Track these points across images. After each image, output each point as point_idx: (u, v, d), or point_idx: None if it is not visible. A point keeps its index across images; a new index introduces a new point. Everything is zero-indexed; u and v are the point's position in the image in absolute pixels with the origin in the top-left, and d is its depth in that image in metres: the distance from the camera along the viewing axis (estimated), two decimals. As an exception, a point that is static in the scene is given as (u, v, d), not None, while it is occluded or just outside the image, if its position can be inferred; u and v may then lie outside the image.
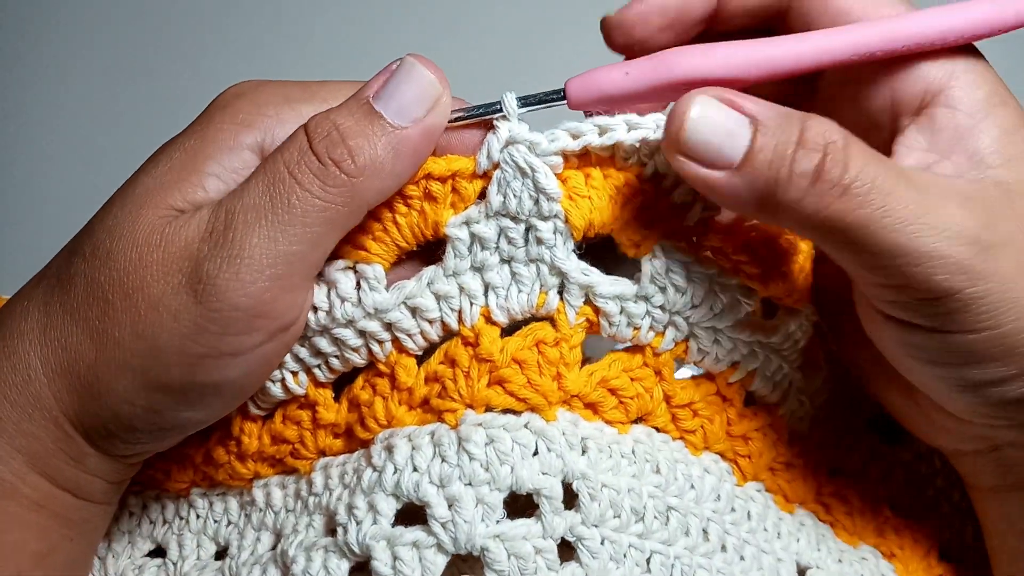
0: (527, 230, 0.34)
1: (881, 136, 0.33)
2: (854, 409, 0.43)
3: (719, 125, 0.29)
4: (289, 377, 0.36)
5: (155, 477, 0.39)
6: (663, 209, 0.35)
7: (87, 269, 0.32)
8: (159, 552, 0.40)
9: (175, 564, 0.39)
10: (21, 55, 0.58)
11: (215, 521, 0.39)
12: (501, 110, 0.33)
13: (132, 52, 0.57)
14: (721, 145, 0.29)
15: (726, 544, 0.36)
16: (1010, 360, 0.30)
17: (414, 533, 0.32)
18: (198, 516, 0.39)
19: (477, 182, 0.34)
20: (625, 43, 0.33)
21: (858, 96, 0.34)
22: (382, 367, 0.36)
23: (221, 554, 0.39)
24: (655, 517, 0.34)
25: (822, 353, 0.41)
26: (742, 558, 0.36)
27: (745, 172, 0.29)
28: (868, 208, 0.28)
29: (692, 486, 0.36)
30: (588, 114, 0.35)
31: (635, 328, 0.35)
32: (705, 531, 0.36)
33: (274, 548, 0.37)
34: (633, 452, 0.35)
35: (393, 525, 0.33)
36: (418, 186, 0.34)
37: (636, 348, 0.36)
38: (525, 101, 0.33)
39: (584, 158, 0.35)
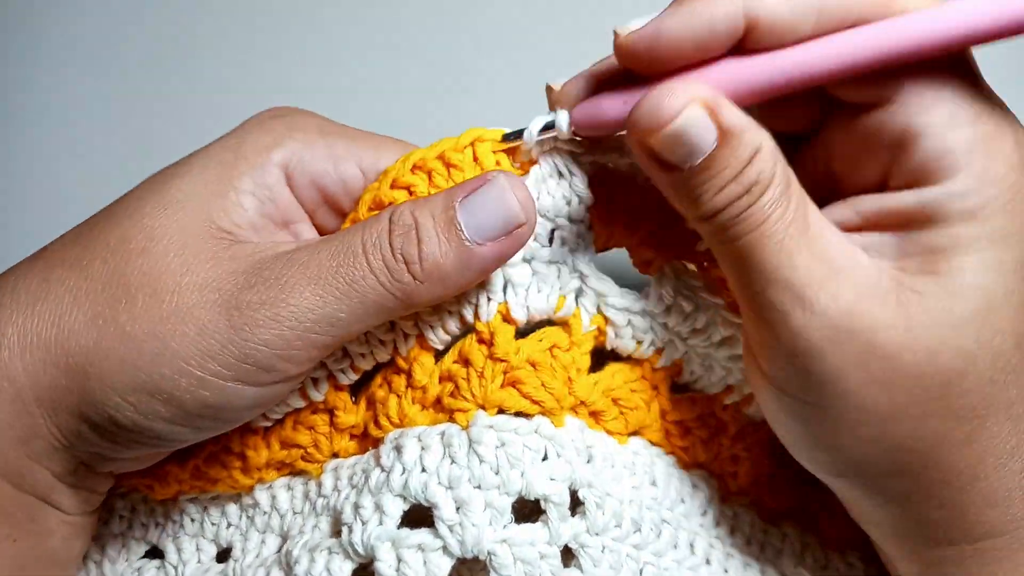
0: (553, 231, 0.35)
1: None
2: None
3: (697, 133, 0.28)
4: (309, 384, 0.36)
5: (138, 487, 0.38)
6: (677, 232, 0.36)
7: (111, 257, 0.31)
8: (154, 552, 0.39)
9: (175, 568, 0.38)
10: (21, 55, 0.56)
11: (213, 524, 0.38)
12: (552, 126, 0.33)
13: (132, 52, 0.56)
14: (689, 151, 0.29)
15: (710, 558, 0.37)
16: (824, 437, 0.31)
17: (420, 535, 0.32)
18: (192, 520, 0.39)
19: (516, 169, 0.34)
20: (635, 64, 0.32)
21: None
22: (401, 363, 0.36)
23: (222, 556, 0.38)
24: (651, 529, 0.35)
25: None
26: (725, 571, 0.37)
27: (684, 178, 0.29)
28: (758, 238, 0.29)
29: (683, 500, 0.37)
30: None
31: (638, 342, 0.36)
32: (692, 545, 0.36)
33: (280, 550, 0.36)
34: (633, 463, 0.36)
35: (399, 527, 0.32)
36: (466, 156, 0.34)
37: (635, 362, 0.37)
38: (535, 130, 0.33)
39: (607, 175, 0.35)
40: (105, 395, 0.30)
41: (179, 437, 0.32)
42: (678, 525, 0.36)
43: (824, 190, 0.32)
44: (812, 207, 0.30)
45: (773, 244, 0.29)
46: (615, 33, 0.31)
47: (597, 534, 0.33)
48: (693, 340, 0.36)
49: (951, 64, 0.29)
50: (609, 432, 0.36)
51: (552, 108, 0.34)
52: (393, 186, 0.34)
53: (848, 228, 0.31)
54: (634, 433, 0.37)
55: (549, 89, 0.34)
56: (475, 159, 0.34)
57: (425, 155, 0.34)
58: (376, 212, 0.34)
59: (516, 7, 0.55)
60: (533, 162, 0.34)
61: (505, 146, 0.34)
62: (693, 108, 0.28)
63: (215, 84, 0.53)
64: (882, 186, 0.31)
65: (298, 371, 0.32)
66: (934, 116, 0.29)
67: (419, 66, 0.54)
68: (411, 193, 0.34)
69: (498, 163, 0.34)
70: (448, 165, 0.34)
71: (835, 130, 0.32)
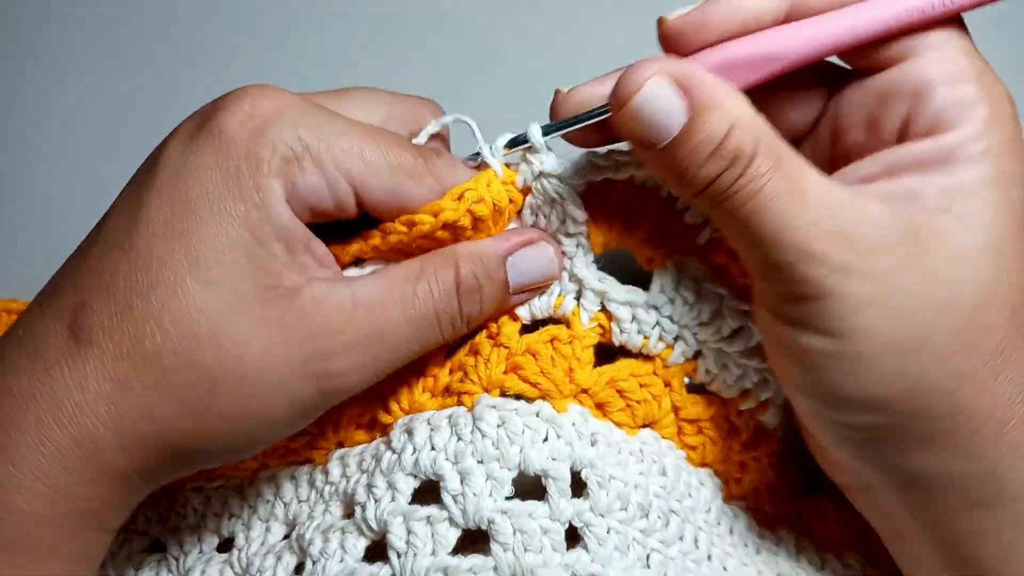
0: None
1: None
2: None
3: (660, 107, 0.30)
4: None
5: None
6: (676, 228, 0.38)
7: (181, 349, 0.31)
8: (155, 546, 0.40)
9: (176, 559, 0.38)
10: (22, 56, 0.57)
11: (215, 515, 0.39)
12: (602, 112, 0.34)
13: (133, 53, 0.57)
14: (656, 126, 0.31)
15: (712, 554, 0.37)
16: (843, 374, 0.31)
17: (428, 509, 0.33)
18: (195, 511, 0.40)
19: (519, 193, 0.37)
20: (679, 50, 0.33)
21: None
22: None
23: (223, 546, 0.39)
24: (658, 517, 0.35)
25: None
26: (725, 568, 0.37)
27: (665, 156, 0.31)
28: (755, 207, 0.30)
29: (690, 494, 0.38)
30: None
31: (645, 337, 0.37)
32: (696, 539, 0.37)
33: (287, 537, 0.37)
34: (641, 451, 0.37)
35: (410, 504, 0.34)
36: (488, 207, 0.36)
37: (647, 357, 0.38)
38: (575, 120, 0.35)
39: (605, 180, 0.37)
40: (205, 460, 0.34)
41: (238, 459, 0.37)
42: (685, 518, 0.36)
43: (835, 169, 0.33)
44: (811, 170, 0.31)
45: (772, 211, 0.30)
46: (660, 20, 0.33)
47: (602, 515, 0.34)
48: (703, 334, 0.37)
49: (955, 25, 0.32)
50: (617, 424, 0.37)
51: (555, 111, 0.36)
52: (423, 237, 0.35)
53: (870, 179, 0.32)
54: (645, 426, 0.38)
55: (557, 92, 0.35)
56: (495, 208, 0.36)
57: (456, 215, 0.35)
58: (402, 250, 0.35)
59: (518, 8, 0.56)
60: (527, 190, 0.36)
61: (508, 179, 0.36)
62: (654, 81, 0.30)
63: (216, 84, 0.53)
64: (900, 142, 0.32)
65: None
66: (946, 70, 0.31)
67: (420, 65, 0.55)
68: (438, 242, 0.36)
69: (510, 194, 0.36)
70: (475, 219, 0.35)
71: (843, 107, 0.34)
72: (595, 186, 0.37)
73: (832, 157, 0.35)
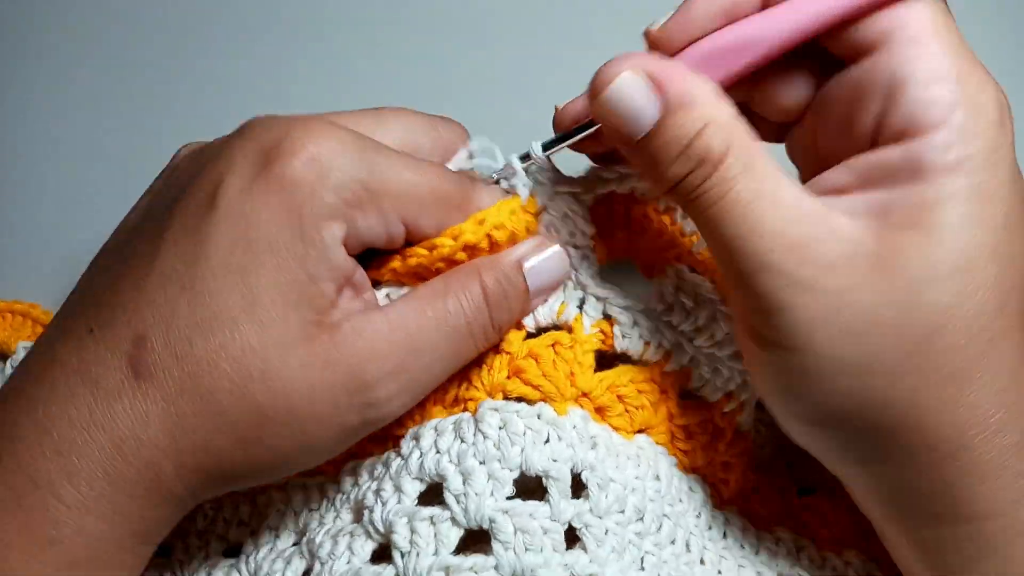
0: None
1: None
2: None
3: (632, 102, 0.31)
4: None
5: None
6: (675, 237, 0.39)
7: (235, 388, 0.31)
8: (161, 549, 0.39)
9: (181, 562, 0.39)
10: (21, 56, 0.57)
11: (225, 520, 0.40)
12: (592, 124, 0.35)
13: (133, 53, 0.57)
14: (628, 121, 0.31)
15: (704, 558, 0.38)
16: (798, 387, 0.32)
17: (432, 509, 0.34)
18: (205, 516, 0.40)
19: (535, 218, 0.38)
20: (668, 52, 0.33)
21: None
22: None
23: (230, 552, 0.39)
24: (653, 520, 0.36)
25: None
26: (719, 572, 0.38)
27: (638, 150, 0.32)
28: (720, 210, 0.31)
29: (682, 499, 0.38)
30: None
31: (645, 343, 0.38)
32: (687, 543, 0.37)
33: (296, 544, 0.37)
34: (637, 456, 0.37)
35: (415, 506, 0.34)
36: (506, 232, 0.37)
37: (645, 364, 0.39)
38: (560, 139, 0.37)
39: (609, 193, 0.39)
40: (252, 482, 0.35)
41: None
42: (677, 522, 0.37)
43: (817, 170, 0.33)
44: (783, 180, 0.31)
45: (736, 217, 0.30)
46: (647, 32, 0.33)
47: (600, 516, 0.34)
48: (698, 340, 0.38)
49: (934, 22, 0.30)
50: (614, 428, 0.38)
51: (554, 127, 0.37)
52: (443, 260, 0.36)
53: (842, 190, 0.31)
54: (640, 431, 0.39)
55: (556, 109, 0.37)
56: (512, 234, 0.37)
57: (476, 236, 0.36)
58: (419, 273, 0.36)
59: (522, 10, 0.56)
60: (542, 209, 0.38)
61: (529, 208, 0.37)
62: (626, 75, 0.31)
63: (217, 83, 0.52)
64: (873, 145, 0.31)
65: None
66: (919, 66, 0.30)
67: (421, 65, 0.55)
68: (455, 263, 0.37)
69: (527, 223, 0.37)
70: (492, 242, 0.37)
71: (824, 99, 0.33)
72: (600, 198, 0.38)
73: (815, 148, 0.35)
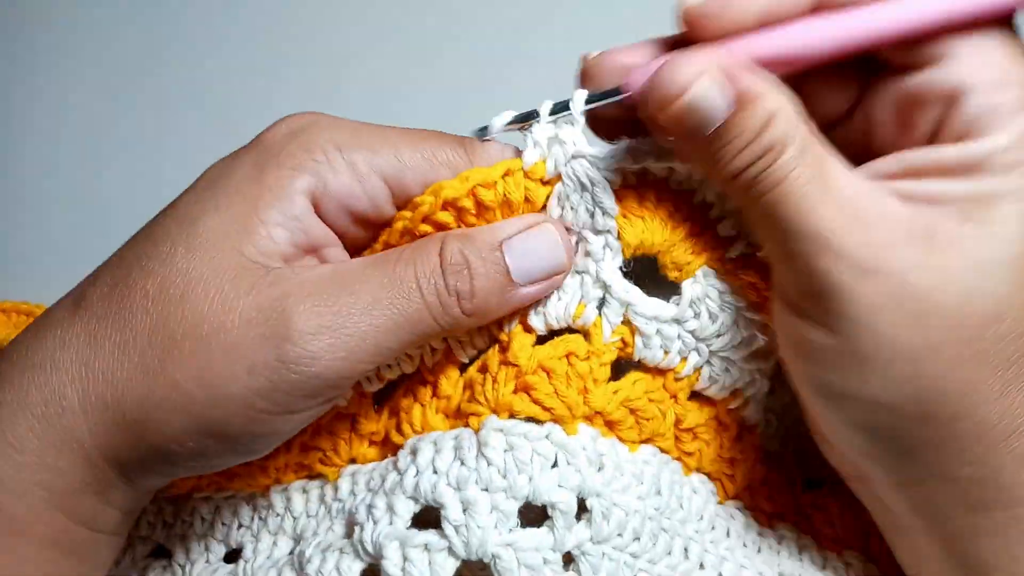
0: (577, 242, 0.35)
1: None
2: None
3: (710, 103, 0.30)
4: None
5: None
6: (708, 238, 0.36)
7: (152, 307, 0.31)
8: (160, 551, 0.40)
9: (183, 567, 0.38)
10: (23, 55, 0.57)
11: (224, 524, 0.38)
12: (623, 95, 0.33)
13: (134, 53, 0.56)
14: (701, 120, 0.30)
15: (704, 562, 0.37)
16: (852, 373, 0.31)
17: (426, 535, 0.32)
18: (203, 520, 0.39)
19: (545, 188, 0.34)
20: (700, 33, 0.33)
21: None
22: (428, 376, 0.36)
23: (231, 556, 0.38)
24: (649, 539, 0.35)
25: None
26: (720, 574, 0.37)
27: (702, 145, 0.31)
28: (780, 194, 0.31)
29: (682, 506, 0.37)
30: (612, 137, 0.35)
31: (665, 351, 0.36)
32: (686, 550, 0.36)
33: (292, 552, 0.36)
34: (642, 472, 0.36)
35: (409, 528, 0.33)
36: (497, 196, 0.34)
37: (658, 371, 0.37)
38: (589, 99, 0.34)
39: (641, 177, 0.35)
40: (164, 444, 0.32)
41: (231, 461, 0.34)
42: (675, 532, 0.36)
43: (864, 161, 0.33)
44: (836, 163, 0.31)
45: (795, 199, 0.30)
46: (684, 9, 0.32)
47: (599, 542, 0.33)
48: (716, 344, 0.36)
49: (999, 27, 0.31)
50: (621, 439, 0.36)
51: (585, 78, 0.34)
52: (425, 221, 0.34)
53: (893, 177, 0.32)
54: (646, 441, 0.37)
55: (583, 60, 0.35)
56: (505, 198, 0.34)
57: (457, 193, 0.33)
58: (408, 239, 0.34)
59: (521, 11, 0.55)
60: (556, 179, 0.34)
61: (533, 173, 0.34)
62: (703, 81, 0.30)
63: (218, 85, 0.53)
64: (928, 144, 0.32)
65: (344, 391, 0.34)
66: (985, 75, 0.30)
67: (425, 59, 0.55)
68: (443, 227, 0.34)
69: (526, 191, 0.34)
70: (479, 204, 0.34)
71: (877, 100, 0.33)
72: (629, 183, 0.35)
73: (864, 148, 0.34)
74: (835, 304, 0.30)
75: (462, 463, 0.33)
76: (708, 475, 0.39)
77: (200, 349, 0.30)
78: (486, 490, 0.32)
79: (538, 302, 0.35)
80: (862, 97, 0.34)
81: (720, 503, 0.39)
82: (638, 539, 0.35)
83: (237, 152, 0.34)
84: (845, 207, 0.30)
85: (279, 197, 0.32)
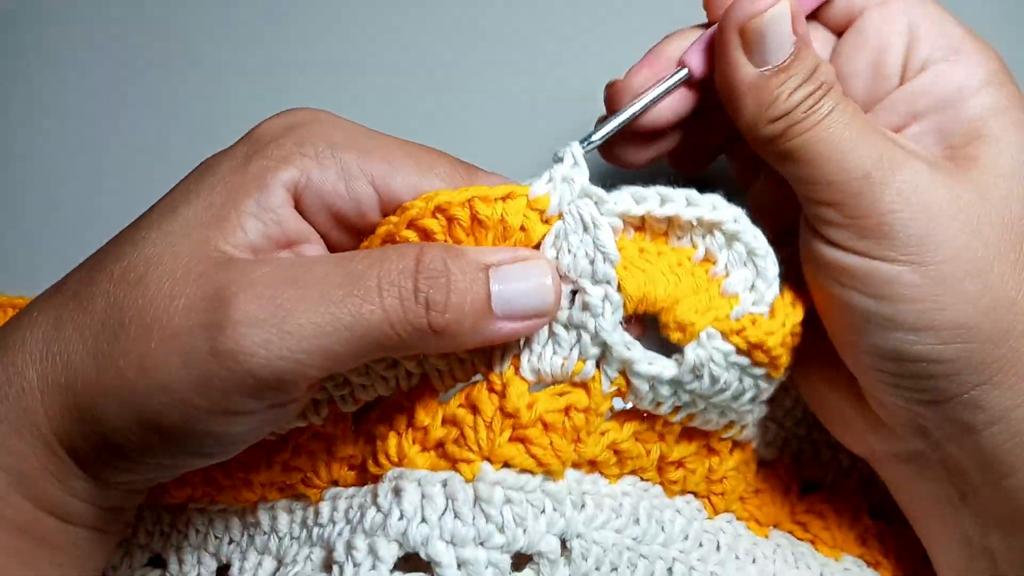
0: (574, 293, 0.33)
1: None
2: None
3: (779, 33, 0.33)
4: (310, 406, 0.35)
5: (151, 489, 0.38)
6: (711, 296, 0.34)
7: (113, 290, 0.30)
8: (156, 561, 0.40)
9: None
10: (22, 55, 0.55)
11: (216, 537, 0.39)
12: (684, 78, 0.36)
13: (135, 53, 0.55)
14: (770, 50, 0.33)
15: None
16: (927, 301, 0.32)
17: None
18: (197, 532, 0.39)
19: (543, 227, 0.33)
20: None
21: None
22: (404, 402, 0.35)
23: (222, 571, 0.39)
24: (627, 567, 0.35)
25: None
26: None
27: (767, 79, 0.33)
28: (829, 128, 0.33)
29: (663, 529, 0.37)
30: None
31: (658, 403, 0.35)
32: (670, 571, 0.37)
33: (275, 574, 0.36)
34: (621, 505, 0.36)
35: (391, 571, 0.32)
36: (494, 214, 0.32)
37: (650, 415, 0.36)
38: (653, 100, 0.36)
39: (639, 230, 0.34)
40: (111, 434, 0.30)
41: (184, 464, 0.32)
42: (655, 557, 0.36)
43: None
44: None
45: (841, 133, 0.33)
46: None
47: None
48: (716, 398, 0.35)
49: None
50: (602, 474, 0.37)
51: (614, 101, 0.36)
52: (410, 226, 0.32)
53: (896, 128, 0.35)
54: (629, 473, 0.38)
55: (611, 85, 0.37)
56: (502, 220, 0.32)
57: (451, 200, 0.32)
58: (389, 244, 0.33)
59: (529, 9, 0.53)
60: (557, 218, 0.33)
61: (536, 204, 0.33)
62: (782, 4, 0.33)
63: (218, 84, 0.51)
64: (902, 83, 0.36)
65: (291, 399, 0.30)
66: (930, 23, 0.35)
67: (427, 64, 0.53)
68: (428, 236, 0.32)
69: (524, 219, 0.33)
70: (474, 218, 0.32)
71: (843, 55, 0.37)
72: (632, 226, 0.35)
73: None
74: (902, 228, 0.32)
75: (457, 516, 0.32)
76: (695, 494, 0.40)
77: (142, 335, 0.29)
78: (482, 545, 0.32)
79: (531, 350, 0.34)
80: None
81: (710, 519, 0.40)
82: (615, 570, 0.35)
83: (234, 144, 0.34)
84: (883, 142, 0.33)
85: (259, 187, 0.31)
